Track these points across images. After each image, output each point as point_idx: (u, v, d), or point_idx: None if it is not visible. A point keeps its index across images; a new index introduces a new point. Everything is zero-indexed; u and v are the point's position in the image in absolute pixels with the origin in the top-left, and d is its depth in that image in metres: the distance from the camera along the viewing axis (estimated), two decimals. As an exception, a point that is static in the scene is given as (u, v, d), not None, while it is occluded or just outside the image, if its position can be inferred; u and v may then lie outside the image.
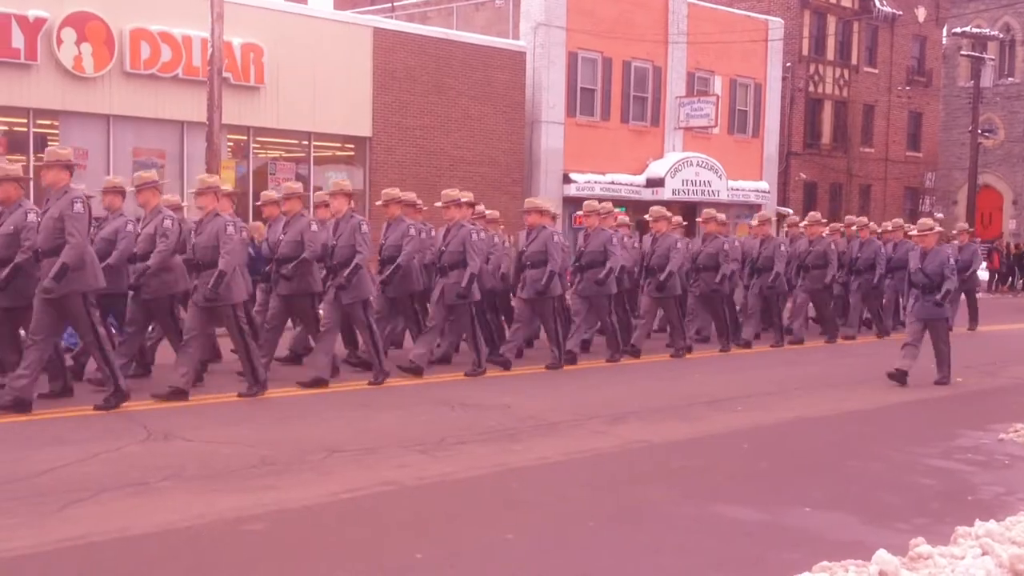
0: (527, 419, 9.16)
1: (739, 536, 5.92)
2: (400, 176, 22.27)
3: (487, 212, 13.84)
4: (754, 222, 16.62)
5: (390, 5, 29.59)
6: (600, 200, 14.59)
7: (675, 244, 13.63)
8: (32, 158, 17.82)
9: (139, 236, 9.98)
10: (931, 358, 11.97)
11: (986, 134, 40.51)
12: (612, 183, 27.08)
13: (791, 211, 27.60)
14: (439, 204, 11.98)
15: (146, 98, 19.19)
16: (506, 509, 6.39)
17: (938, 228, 12.27)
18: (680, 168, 28.11)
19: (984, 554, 5.23)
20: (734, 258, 15.15)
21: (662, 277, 13.40)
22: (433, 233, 12.40)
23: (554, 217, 13.67)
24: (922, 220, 12.10)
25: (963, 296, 18.64)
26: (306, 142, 22.06)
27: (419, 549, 5.50)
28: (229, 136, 19.84)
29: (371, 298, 10.97)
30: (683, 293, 14.25)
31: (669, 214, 14.22)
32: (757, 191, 30.84)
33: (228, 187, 12.32)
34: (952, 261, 11.75)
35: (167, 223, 9.81)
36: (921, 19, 40.12)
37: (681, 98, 29.05)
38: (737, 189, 29.84)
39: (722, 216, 15.59)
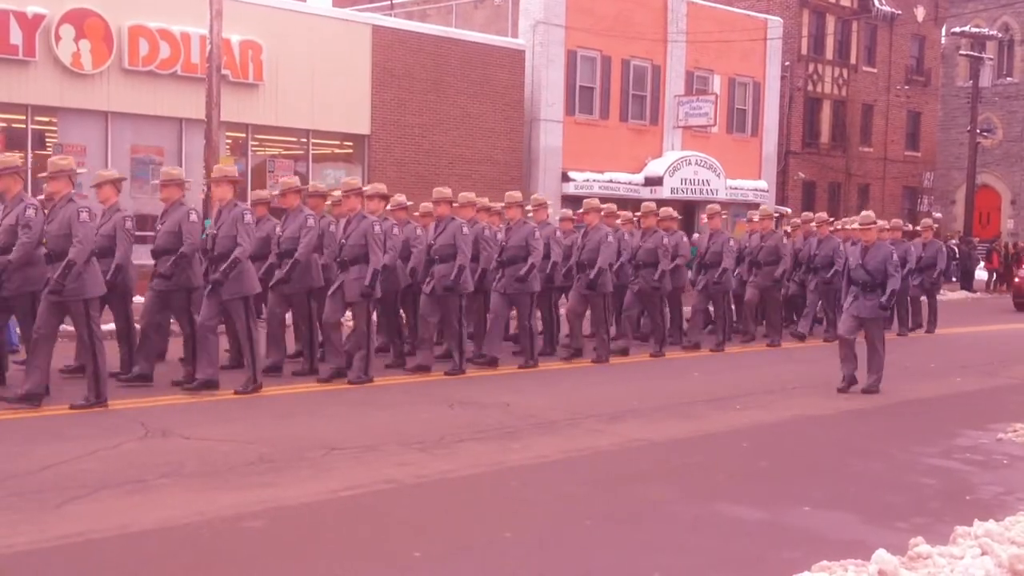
0: (526, 417, 9.15)
1: (739, 535, 5.92)
2: (399, 174, 22.26)
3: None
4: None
5: (389, 3, 29.56)
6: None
7: (605, 238, 12.73)
8: (30, 154, 17.81)
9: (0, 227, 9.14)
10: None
11: (984, 134, 40.53)
12: (611, 182, 27.07)
13: (789, 210, 27.63)
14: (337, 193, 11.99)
15: (144, 95, 19.16)
16: (505, 507, 6.39)
17: (882, 222, 11.57)
18: (679, 167, 28.10)
19: (983, 554, 5.23)
20: (681, 254, 14.37)
21: (592, 274, 12.57)
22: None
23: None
24: (864, 213, 11.38)
25: (924, 297, 18.38)
26: (305, 140, 22.04)
27: (418, 547, 5.49)
28: (228, 133, 19.80)
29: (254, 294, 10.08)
30: (619, 289, 13.79)
31: (601, 205, 13.42)
32: (756, 190, 30.83)
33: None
34: (895, 257, 10.95)
35: (30, 212, 8.91)
36: (920, 19, 40.13)
37: (680, 97, 29.04)
38: (736, 188, 29.84)
39: (669, 210, 14.77)
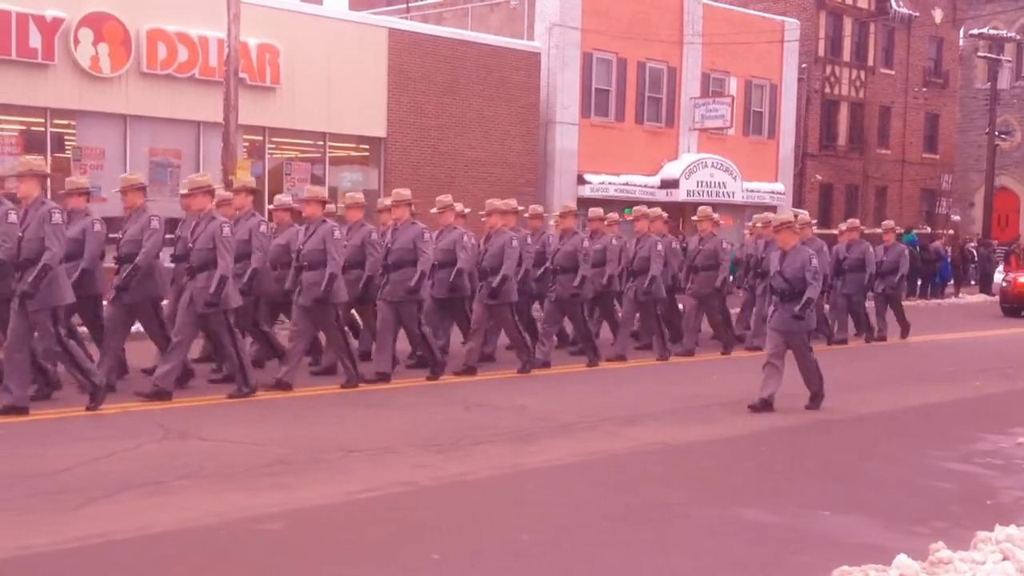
0: (542, 420, 9.15)
1: (756, 539, 5.90)
2: (415, 177, 22.27)
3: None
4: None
5: (405, 6, 29.60)
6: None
7: (510, 242, 11.55)
8: (49, 158, 17.91)
9: None
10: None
11: (1003, 136, 40.27)
12: (626, 184, 27.02)
13: (805, 212, 27.50)
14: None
15: (162, 98, 19.24)
16: (521, 510, 6.38)
17: (800, 224, 10.34)
18: (695, 169, 28.03)
19: (1005, 559, 5.20)
20: (609, 259, 13.40)
21: (495, 282, 11.46)
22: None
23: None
24: (768, 214, 10.64)
25: (887, 305, 17.00)
26: (321, 142, 22.09)
27: (436, 549, 5.50)
28: (245, 136, 19.86)
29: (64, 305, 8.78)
30: (533, 298, 13.06)
31: (503, 206, 12.10)
32: (772, 192, 30.73)
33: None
34: (814, 263, 9.88)
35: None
36: (938, 20, 39.91)
37: (696, 99, 28.98)
38: (752, 190, 29.74)
39: (600, 211, 14.07)
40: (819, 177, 35.86)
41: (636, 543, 5.74)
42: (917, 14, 38.63)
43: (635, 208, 14.48)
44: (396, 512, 6.27)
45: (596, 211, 14.14)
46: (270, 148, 21.31)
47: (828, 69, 36.29)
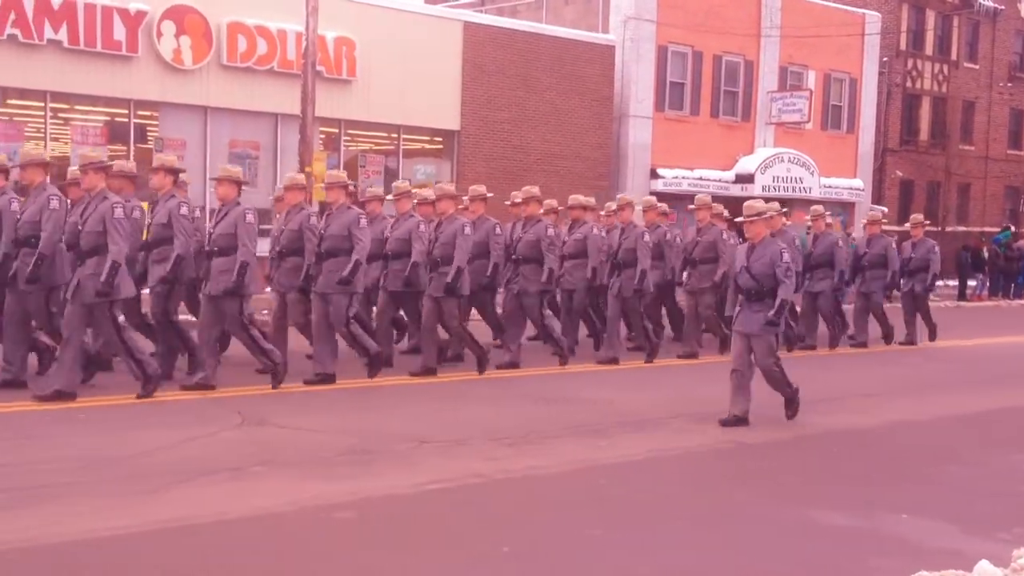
0: (614, 415, 9.11)
1: (831, 541, 5.81)
2: (487, 169, 22.34)
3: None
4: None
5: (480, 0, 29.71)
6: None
7: (462, 230, 10.64)
8: (132, 148, 18.34)
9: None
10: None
11: (1092, 132, 39.00)
12: (700, 179, 26.76)
13: (885, 209, 26.96)
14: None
15: (242, 90, 19.57)
16: (593, 505, 6.36)
17: (771, 212, 9.39)
18: (771, 164, 27.66)
19: (1092, 568, 5.04)
20: (599, 249, 12.45)
21: (450, 277, 10.53)
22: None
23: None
24: (748, 203, 9.11)
25: (915, 304, 15.76)
26: (395, 135, 22.27)
27: (505, 542, 5.51)
28: (321, 128, 20.11)
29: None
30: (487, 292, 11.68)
31: (452, 191, 11.24)
32: (851, 189, 30.19)
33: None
34: (785, 258, 8.71)
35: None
36: (1024, 13, 38.82)
37: (773, 93, 28.58)
38: (830, 186, 29.25)
39: (587, 200, 13.26)
40: (899, 173, 35.12)
41: (708, 543, 5.68)
42: (1003, 7, 37.60)
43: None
44: (466, 504, 6.30)
45: (584, 200, 13.22)
46: (345, 140, 21.55)
47: (910, 63, 35.52)
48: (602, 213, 13.89)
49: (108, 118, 18.87)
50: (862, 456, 8.10)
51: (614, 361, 12.16)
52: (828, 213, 15.76)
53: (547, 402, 9.60)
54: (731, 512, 6.34)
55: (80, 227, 8.54)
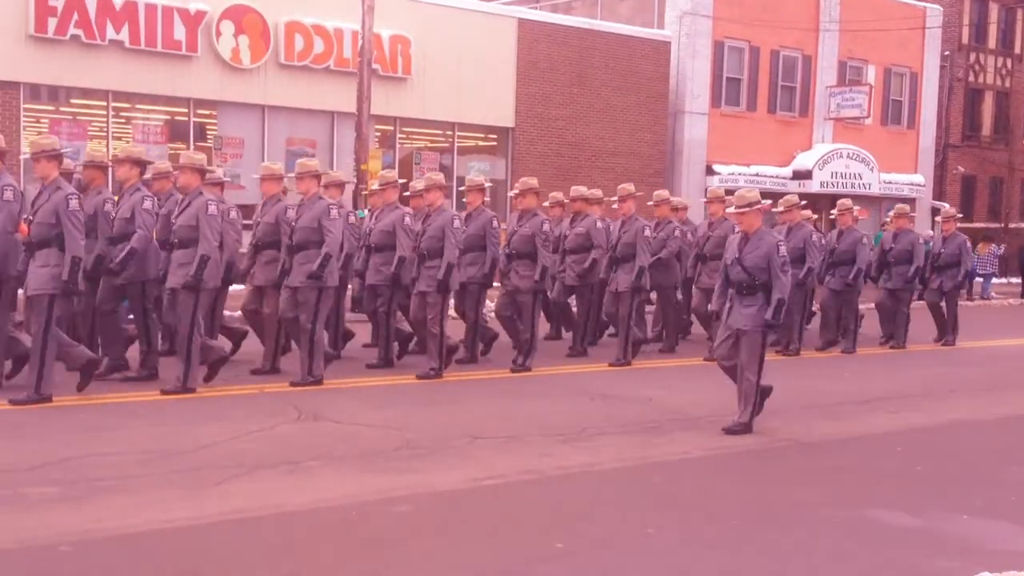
0: (669, 412, 9.06)
1: (891, 542, 5.71)
2: (541, 167, 22.32)
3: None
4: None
5: (535, -4, 29.67)
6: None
7: (451, 223, 10.17)
8: (192, 146, 18.61)
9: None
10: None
11: None
12: (757, 175, 26.50)
13: (947, 205, 26.49)
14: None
15: (299, 89, 19.77)
16: (648, 503, 6.33)
17: (766, 202, 8.74)
18: (829, 160, 27.31)
19: None
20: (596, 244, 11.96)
21: (440, 273, 10.00)
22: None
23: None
24: (739, 192, 8.61)
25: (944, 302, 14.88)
26: (450, 132, 22.35)
27: (560, 539, 5.50)
28: (377, 126, 20.26)
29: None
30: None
31: (442, 181, 10.67)
32: (911, 184, 29.70)
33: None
34: (783, 251, 8.21)
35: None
36: (1093, 5, 37.86)
37: (832, 88, 28.20)
38: (890, 182, 28.81)
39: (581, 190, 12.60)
40: (961, 169, 34.45)
41: (766, 542, 5.62)
42: (1070, -2, 36.71)
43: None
44: (521, 500, 6.30)
45: (587, 192, 12.58)
46: (400, 138, 21.68)
47: (972, 57, 34.83)
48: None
49: (168, 117, 19.18)
50: (924, 456, 7.96)
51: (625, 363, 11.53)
52: (856, 208, 15.14)
53: (603, 399, 9.57)
54: (789, 512, 6.26)
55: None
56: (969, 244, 15.27)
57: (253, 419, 7.96)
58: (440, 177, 10.71)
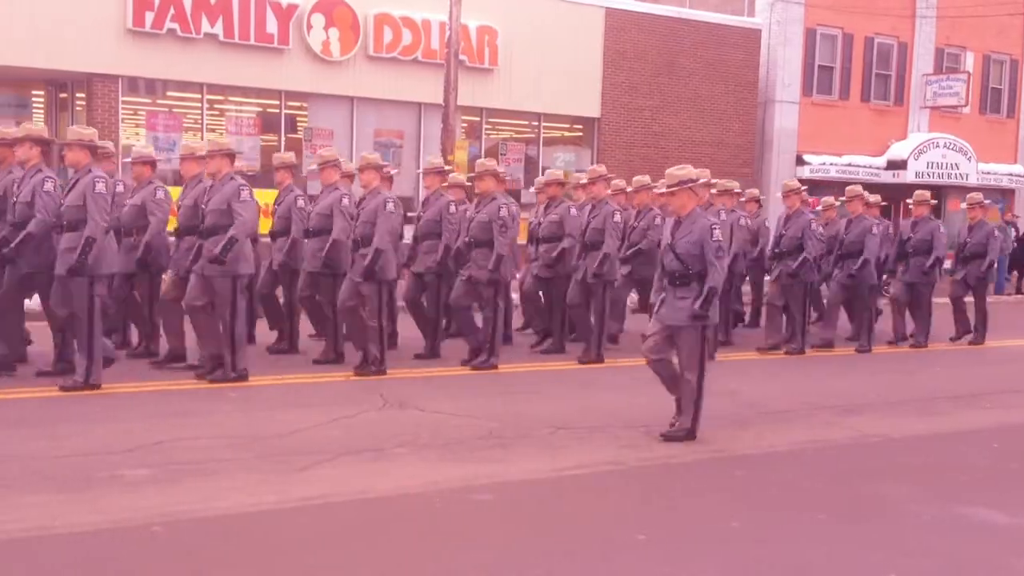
0: (753, 406, 8.95)
1: (982, 540, 5.56)
2: (627, 157, 22.19)
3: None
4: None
5: (622, -15, 29.43)
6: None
7: (383, 206, 9.43)
8: (283, 138, 18.95)
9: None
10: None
11: None
12: (849, 165, 25.95)
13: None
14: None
15: (387, 80, 19.96)
16: (731, 496, 6.26)
17: (703, 180, 7.78)
18: (925, 149, 26.59)
19: None
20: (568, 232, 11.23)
21: (368, 259, 9.32)
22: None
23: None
24: (669, 170, 7.65)
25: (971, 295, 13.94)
26: (535, 123, 22.34)
27: (642, 530, 5.48)
28: (463, 117, 20.34)
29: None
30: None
31: (378, 161, 9.90)
32: (1010, 175, 28.75)
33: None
34: (717, 235, 7.36)
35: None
36: None
37: (928, 76, 27.44)
38: (988, 172, 27.92)
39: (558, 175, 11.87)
40: (1064, 159, 33.20)
41: (853, 537, 5.52)
42: None
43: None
44: (604, 490, 6.29)
45: (562, 176, 12.00)
46: (486, 128, 21.75)
47: (1077, 42, 33.50)
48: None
49: (260, 109, 19.55)
50: (1020, 452, 7.72)
51: (599, 360, 10.77)
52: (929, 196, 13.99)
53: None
54: (876, 507, 6.13)
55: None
56: (998, 233, 14.31)
57: (338, 406, 8.09)
58: (376, 157, 9.92)
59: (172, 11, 17.73)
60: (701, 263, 7.31)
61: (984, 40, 28.45)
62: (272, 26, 18.64)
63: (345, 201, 9.75)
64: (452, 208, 10.60)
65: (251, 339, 10.26)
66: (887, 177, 25.84)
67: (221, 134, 18.93)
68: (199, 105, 18.81)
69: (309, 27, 18.97)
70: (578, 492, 6.24)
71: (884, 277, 13.59)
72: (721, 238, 7.42)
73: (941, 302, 14.07)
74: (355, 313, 9.50)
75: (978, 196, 14.05)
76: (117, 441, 6.77)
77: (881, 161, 26.59)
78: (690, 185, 7.46)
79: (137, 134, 18.43)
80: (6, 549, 4.84)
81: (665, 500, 6.12)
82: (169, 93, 18.75)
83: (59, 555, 4.83)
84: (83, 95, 18.16)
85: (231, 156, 9.00)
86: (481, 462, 6.67)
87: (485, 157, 15.13)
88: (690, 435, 7.44)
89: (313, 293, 10.22)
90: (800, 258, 11.96)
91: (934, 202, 14.83)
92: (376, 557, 4.96)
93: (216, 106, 19.14)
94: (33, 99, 19.39)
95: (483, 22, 20.50)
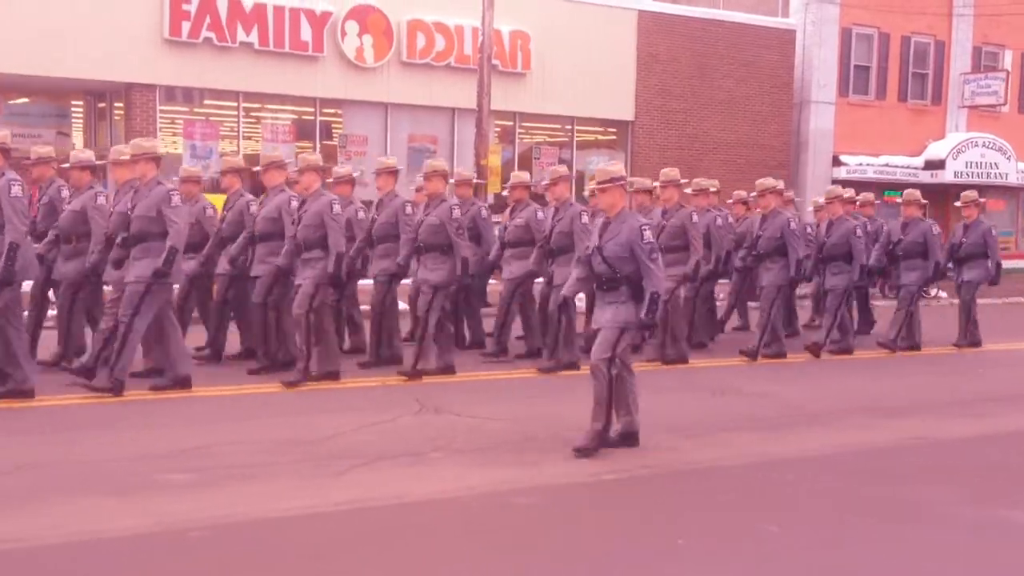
0: (792, 409, 8.88)
1: (1021, 543, 5.49)
2: (661, 160, 22.04)
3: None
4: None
5: (655, -13, 29.37)
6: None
7: (329, 208, 9.17)
8: (318, 145, 19.08)
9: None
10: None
11: None
12: (886, 166, 25.71)
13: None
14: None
15: (421, 86, 20.05)
16: (772, 500, 6.22)
17: (632, 180, 7.46)
18: (963, 149, 26.29)
19: None
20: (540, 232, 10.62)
21: (330, 266, 9.06)
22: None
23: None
24: (600, 167, 7.35)
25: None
26: (569, 127, 22.34)
27: (681, 534, 5.45)
28: (496, 122, 20.39)
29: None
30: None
31: (317, 162, 9.55)
32: (1052, 174, 28.36)
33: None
34: (647, 236, 6.87)
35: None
36: None
37: (966, 74, 27.14)
38: (1028, 171, 27.57)
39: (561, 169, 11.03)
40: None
41: (890, 542, 5.46)
42: None
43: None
44: (644, 495, 6.27)
45: (526, 179, 11.58)
46: (520, 133, 21.77)
47: (1119, 38, 32.99)
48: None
49: (296, 116, 19.71)
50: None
51: (573, 366, 10.13)
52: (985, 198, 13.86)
53: (722, 395, 9.44)
54: (917, 510, 6.06)
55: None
56: (995, 232, 13.63)
57: (375, 411, 8.11)
58: (316, 158, 9.69)
59: (208, 20, 17.92)
60: (629, 266, 6.89)
61: (1022, 38, 28.09)
62: (306, 34, 18.79)
63: (294, 203, 9.41)
64: (408, 209, 10.07)
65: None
66: (925, 177, 25.58)
67: (257, 142, 19.11)
68: (235, 113, 19.00)
69: (343, 34, 19.10)
70: (619, 496, 6.22)
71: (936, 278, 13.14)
72: (652, 239, 6.94)
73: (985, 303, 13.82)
74: (312, 318, 9.09)
75: (973, 194, 13.63)
76: (157, 444, 6.85)
77: (919, 161, 26.33)
78: (621, 183, 7.06)
79: (175, 142, 18.64)
80: (62, 552, 4.90)
81: (704, 505, 6.08)
82: (206, 102, 18.95)
83: (106, 559, 4.89)
84: (121, 105, 18.40)
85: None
86: (520, 466, 6.66)
87: (518, 161, 15.02)
88: (600, 440, 6.99)
89: (265, 299, 9.67)
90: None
91: (983, 200, 14.41)
92: (414, 561, 4.97)
93: (252, 114, 19.32)
94: (72, 109, 19.68)
95: (515, 27, 20.54)
